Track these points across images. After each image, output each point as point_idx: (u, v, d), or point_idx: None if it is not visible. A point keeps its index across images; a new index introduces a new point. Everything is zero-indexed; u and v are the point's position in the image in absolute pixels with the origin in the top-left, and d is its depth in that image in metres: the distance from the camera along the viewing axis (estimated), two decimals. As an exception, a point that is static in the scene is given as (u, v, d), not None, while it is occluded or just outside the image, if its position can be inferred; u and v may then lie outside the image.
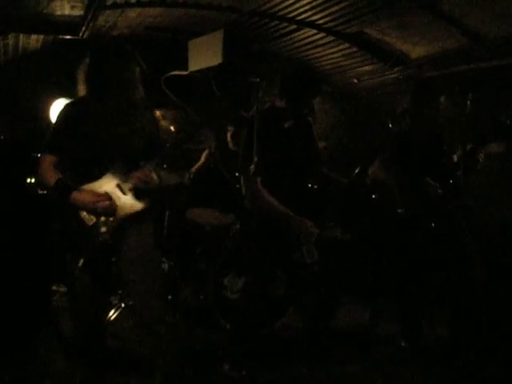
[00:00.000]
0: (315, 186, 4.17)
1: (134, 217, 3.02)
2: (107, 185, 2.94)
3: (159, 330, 3.06)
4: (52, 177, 2.87)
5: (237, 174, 3.77)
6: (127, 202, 2.96)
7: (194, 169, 5.31)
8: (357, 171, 3.98)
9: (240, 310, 3.74)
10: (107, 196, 2.89)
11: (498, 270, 4.51)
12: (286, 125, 3.55)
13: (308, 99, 3.49)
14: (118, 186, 2.95)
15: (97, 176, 2.94)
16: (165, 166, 4.93)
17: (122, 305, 4.28)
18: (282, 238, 3.42)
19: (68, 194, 2.83)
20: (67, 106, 3.03)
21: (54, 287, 4.68)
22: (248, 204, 3.42)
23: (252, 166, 3.06)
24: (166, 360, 3.27)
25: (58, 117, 3.00)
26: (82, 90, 3.01)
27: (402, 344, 4.07)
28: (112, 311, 4.22)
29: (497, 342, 3.98)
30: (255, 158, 3.06)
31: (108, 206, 2.88)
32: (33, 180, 4.83)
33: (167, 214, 4.98)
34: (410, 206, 4.01)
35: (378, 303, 4.73)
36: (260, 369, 3.51)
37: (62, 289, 4.70)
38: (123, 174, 2.98)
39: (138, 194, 3.00)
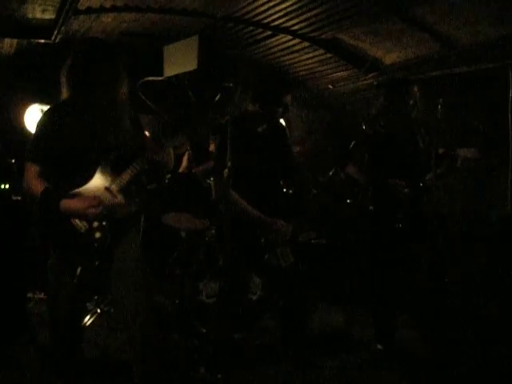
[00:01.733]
0: (289, 190, 4.21)
1: (126, 219, 2.96)
2: (96, 189, 2.85)
3: (135, 335, 3.05)
4: (38, 187, 2.77)
5: (211, 179, 3.77)
6: (118, 204, 2.90)
7: (177, 172, 5.32)
8: (331, 173, 4.03)
9: (215, 314, 3.75)
10: (98, 200, 2.78)
11: (469, 272, 4.58)
12: (260, 129, 3.57)
13: (279, 102, 3.52)
14: (107, 188, 2.88)
15: (84, 181, 2.85)
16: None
17: (98, 310, 4.27)
18: (256, 242, 3.44)
19: (57, 203, 2.73)
20: (48, 112, 2.93)
21: (30, 294, 4.65)
22: (222, 208, 3.43)
23: (226, 171, 3.07)
24: (141, 364, 3.25)
25: (40, 124, 2.90)
26: (65, 92, 2.91)
27: (378, 347, 4.11)
28: (87, 317, 4.20)
29: (470, 343, 4.04)
30: (228, 163, 3.07)
31: (99, 210, 2.78)
32: (6, 186, 4.78)
33: (142, 218, 4.97)
34: (379, 205, 4.08)
35: (352, 306, 4.77)
36: (235, 372, 3.52)
37: (38, 296, 4.67)
38: (111, 176, 2.90)
39: (128, 195, 2.95)
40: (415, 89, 4.13)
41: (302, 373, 3.63)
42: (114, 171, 2.90)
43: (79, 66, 2.82)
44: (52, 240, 2.88)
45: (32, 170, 2.82)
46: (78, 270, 2.82)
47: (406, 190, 3.99)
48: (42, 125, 2.89)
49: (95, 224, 2.81)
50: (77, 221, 2.79)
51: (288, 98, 3.56)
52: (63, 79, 2.89)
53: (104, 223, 2.83)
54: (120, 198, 2.88)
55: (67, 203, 2.74)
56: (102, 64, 2.83)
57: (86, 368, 3.30)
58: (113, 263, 2.96)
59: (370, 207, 4.14)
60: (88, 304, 4.31)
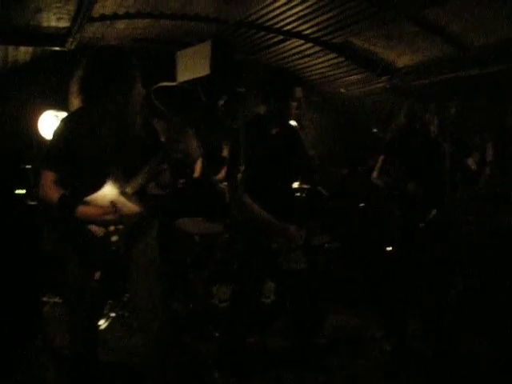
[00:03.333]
0: (303, 194, 4.21)
1: (142, 222, 2.98)
2: (111, 193, 2.86)
3: (151, 339, 3.07)
4: (55, 194, 2.79)
5: (224, 184, 3.78)
6: (133, 208, 2.92)
7: (190, 178, 5.34)
8: (344, 173, 4.05)
9: (229, 318, 3.76)
10: (113, 206, 2.81)
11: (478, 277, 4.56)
12: (273, 132, 3.57)
13: (291, 96, 3.50)
14: (122, 192, 2.91)
15: (99, 187, 2.86)
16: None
17: (113, 314, 4.30)
18: (269, 246, 3.44)
19: (73, 210, 2.76)
20: (64, 120, 2.94)
21: (45, 298, 4.69)
22: (236, 213, 3.43)
23: (239, 175, 3.08)
24: (155, 369, 3.27)
25: (56, 132, 2.92)
26: (75, 101, 2.92)
27: (387, 348, 4.11)
28: (102, 321, 4.23)
29: (477, 345, 4.02)
30: (242, 167, 3.08)
31: (115, 216, 2.81)
32: (22, 191, 4.83)
33: (156, 223, 5.00)
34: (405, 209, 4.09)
35: (366, 310, 4.76)
36: (249, 377, 3.53)
37: (53, 300, 4.71)
38: (124, 179, 2.91)
39: (142, 197, 2.97)
40: (435, 117, 4.12)
41: (316, 376, 3.63)
42: (127, 175, 2.93)
43: (92, 75, 2.83)
44: (71, 245, 2.91)
45: (48, 178, 2.84)
46: (97, 274, 2.85)
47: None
48: (58, 133, 2.90)
49: (111, 228, 2.84)
50: (94, 226, 2.82)
51: (299, 92, 3.52)
52: (74, 88, 2.91)
53: (120, 227, 2.86)
54: (135, 201, 2.90)
55: (84, 210, 2.77)
56: (115, 73, 2.83)
57: (101, 372, 3.32)
58: (129, 267, 2.99)
59: (398, 212, 4.13)
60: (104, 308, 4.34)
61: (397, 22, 4.77)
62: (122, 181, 2.91)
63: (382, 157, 4.33)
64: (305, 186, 4.46)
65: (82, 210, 2.76)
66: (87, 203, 2.80)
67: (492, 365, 3.75)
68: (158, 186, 3.06)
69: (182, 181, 5.20)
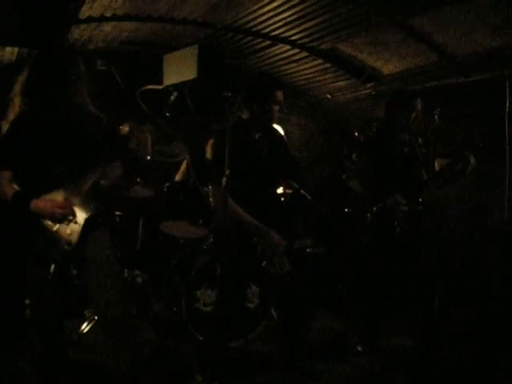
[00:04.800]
0: (287, 198, 4.22)
1: (95, 219, 3.05)
2: (65, 191, 2.98)
3: (129, 343, 3.07)
4: (9, 190, 2.93)
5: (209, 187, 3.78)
6: (81, 207, 3.00)
7: (175, 181, 5.33)
8: (328, 180, 4.07)
9: (213, 322, 3.75)
10: (65, 202, 2.94)
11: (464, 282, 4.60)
12: (256, 136, 3.59)
13: (272, 99, 3.53)
14: (71, 189, 2.98)
15: (50, 184, 2.98)
16: (138, 179, 4.98)
17: (96, 317, 4.27)
18: (253, 250, 3.45)
19: (27, 204, 2.89)
20: (12, 122, 3.04)
21: (27, 300, 4.64)
22: (220, 217, 3.44)
23: (224, 179, 3.08)
24: (137, 373, 3.27)
25: (5, 133, 3.04)
26: (19, 104, 3.02)
27: (358, 348, 4.15)
28: (85, 324, 4.21)
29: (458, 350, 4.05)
30: (227, 171, 3.08)
31: (66, 211, 2.93)
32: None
33: (141, 226, 4.98)
34: (378, 218, 4.10)
35: (349, 313, 4.78)
36: (232, 381, 3.53)
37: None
38: (76, 177, 3.02)
39: (89, 198, 3.03)
40: (418, 101, 4.15)
41: (300, 381, 3.63)
42: (78, 172, 3.01)
43: (33, 80, 2.95)
44: (26, 240, 3.02)
45: (3, 175, 2.98)
46: (52, 267, 2.97)
47: (405, 208, 4.01)
48: (6, 134, 3.02)
49: (65, 223, 2.95)
50: (47, 220, 2.94)
51: (280, 95, 3.57)
52: (17, 90, 3.01)
53: (73, 222, 2.96)
54: (82, 201, 3.00)
55: (36, 204, 2.90)
56: (55, 75, 2.95)
57: (81, 374, 3.32)
58: (85, 261, 3.09)
59: (368, 216, 4.16)
60: (86, 311, 4.32)
61: (383, 29, 4.81)
62: (73, 178, 3.00)
63: (354, 159, 4.35)
64: (288, 191, 4.48)
65: (34, 203, 2.89)
66: (41, 199, 2.92)
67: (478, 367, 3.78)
68: (109, 183, 3.12)
69: (166, 184, 5.19)
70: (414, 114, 4.12)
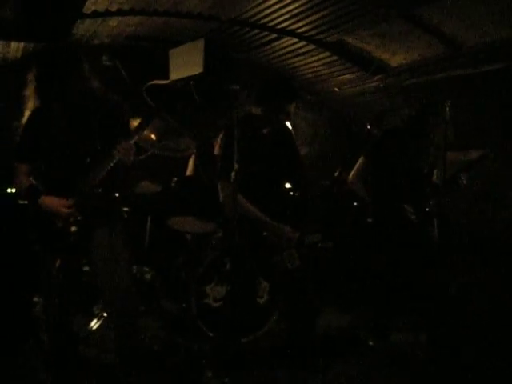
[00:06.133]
0: (295, 193, 4.20)
1: (100, 216, 3.06)
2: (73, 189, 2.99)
3: (137, 340, 3.06)
4: (25, 183, 3.03)
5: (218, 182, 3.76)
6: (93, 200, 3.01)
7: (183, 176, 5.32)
8: (336, 174, 4.04)
9: (222, 318, 3.74)
10: (70, 202, 2.94)
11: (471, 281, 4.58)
12: (264, 131, 3.56)
13: (283, 106, 3.52)
14: (84, 182, 2.98)
15: (67, 178, 2.99)
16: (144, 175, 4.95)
17: (104, 314, 4.26)
18: (263, 245, 3.43)
19: (37, 199, 2.95)
20: (29, 116, 3.09)
21: (36, 298, 4.64)
22: (228, 212, 3.42)
23: (232, 174, 3.06)
24: (146, 370, 3.25)
25: (23, 128, 3.10)
26: (33, 103, 3.07)
27: (369, 343, 4.12)
28: (94, 321, 4.20)
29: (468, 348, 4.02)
30: (235, 166, 3.06)
31: (70, 212, 2.94)
32: (13, 190, 4.79)
33: (149, 222, 4.97)
34: (379, 220, 4.08)
35: (359, 309, 4.76)
36: (242, 377, 3.51)
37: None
38: (85, 171, 2.99)
39: (101, 192, 3.02)
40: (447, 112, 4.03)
41: (309, 376, 3.61)
42: (87, 170, 2.99)
43: (43, 75, 2.96)
44: (37, 235, 3.05)
45: (20, 169, 3.08)
46: (57, 262, 2.99)
47: (414, 217, 3.98)
48: (25, 128, 3.08)
49: (71, 219, 2.96)
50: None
51: (291, 107, 3.57)
52: (29, 89, 3.05)
53: (79, 218, 2.97)
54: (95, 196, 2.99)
55: (44, 200, 2.95)
56: (65, 71, 2.93)
57: (89, 371, 3.31)
58: (92, 258, 3.09)
59: (369, 219, 4.14)
60: (94, 308, 4.31)
61: (390, 20, 4.76)
62: (83, 176, 2.99)
63: (361, 159, 4.28)
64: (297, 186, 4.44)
65: (42, 200, 2.95)
66: (50, 195, 2.96)
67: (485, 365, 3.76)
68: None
69: (174, 179, 5.17)
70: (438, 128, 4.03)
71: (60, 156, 3.00)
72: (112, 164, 2.93)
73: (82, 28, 5.05)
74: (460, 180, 4.15)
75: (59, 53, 2.97)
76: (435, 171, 4.12)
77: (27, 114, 3.09)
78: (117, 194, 3.19)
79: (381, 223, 4.18)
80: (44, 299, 3.21)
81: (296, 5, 4.67)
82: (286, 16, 4.97)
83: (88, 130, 3.02)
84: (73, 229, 2.96)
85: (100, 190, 3.00)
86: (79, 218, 2.95)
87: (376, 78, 5.95)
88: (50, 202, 2.94)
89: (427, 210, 4.03)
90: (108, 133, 3.00)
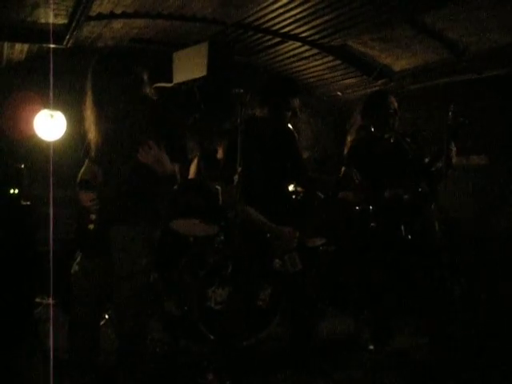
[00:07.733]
0: (298, 196, 4.20)
1: (120, 214, 3.01)
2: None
3: (140, 342, 3.06)
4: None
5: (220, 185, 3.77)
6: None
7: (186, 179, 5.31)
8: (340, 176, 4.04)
9: (224, 320, 3.74)
10: (93, 196, 2.97)
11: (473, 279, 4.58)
12: (269, 134, 3.57)
13: (288, 101, 3.52)
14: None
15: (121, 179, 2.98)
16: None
17: (106, 316, 4.27)
18: (265, 248, 3.44)
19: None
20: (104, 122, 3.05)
21: (38, 299, 4.65)
22: (231, 214, 3.43)
23: (236, 176, 3.06)
24: (147, 372, 3.25)
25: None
26: (89, 101, 3.01)
27: (370, 347, 4.12)
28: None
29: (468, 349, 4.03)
30: (239, 168, 3.06)
31: (95, 205, 2.96)
32: (16, 191, 4.78)
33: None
34: (380, 221, 4.08)
35: (361, 312, 4.76)
36: (244, 379, 3.51)
37: (46, 301, 4.67)
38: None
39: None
40: (392, 99, 4.13)
41: (311, 379, 3.61)
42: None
43: (100, 77, 2.93)
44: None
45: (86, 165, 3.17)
46: (78, 258, 3.07)
47: (406, 196, 3.98)
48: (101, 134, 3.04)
49: (92, 217, 2.96)
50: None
51: (296, 102, 3.56)
52: (88, 91, 2.98)
53: (97, 207, 2.98)
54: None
55: (78, 193, 3.04)
56: (123, 75, 2.95)
57: (95, 372, 3.31)
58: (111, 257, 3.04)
59: (372, 224, 4.13)
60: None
61: (394, 25, 4.78)
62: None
63: (342, 169, 4.28)
64: (299, 189, 4.45)
65: (77, 193, 3.04)
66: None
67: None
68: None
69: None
70: (391, 111, 4.08)
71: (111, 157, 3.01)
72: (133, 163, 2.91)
73: (87, 30, 5.07)
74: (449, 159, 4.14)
75: (112, 61, 3.00)
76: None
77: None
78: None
79: (381, 226, 4.17)
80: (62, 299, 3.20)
81: (300, 9, 4.68)
82: (290, 20, 4.99)
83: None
84: (93, 217, 2.94)
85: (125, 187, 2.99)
86: (95, 215, 2.94)
87: (379, 82, 5.96)
88: (82, 196, 3.00)
89: (420, 190, 4.03)
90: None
